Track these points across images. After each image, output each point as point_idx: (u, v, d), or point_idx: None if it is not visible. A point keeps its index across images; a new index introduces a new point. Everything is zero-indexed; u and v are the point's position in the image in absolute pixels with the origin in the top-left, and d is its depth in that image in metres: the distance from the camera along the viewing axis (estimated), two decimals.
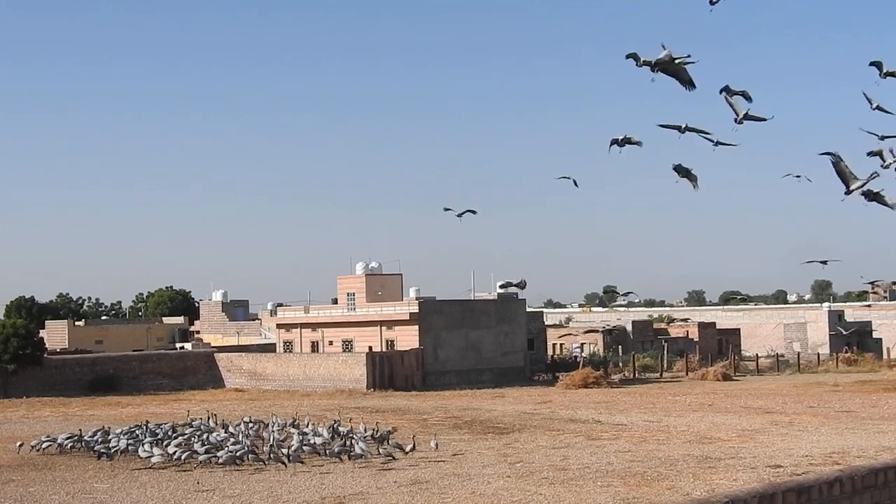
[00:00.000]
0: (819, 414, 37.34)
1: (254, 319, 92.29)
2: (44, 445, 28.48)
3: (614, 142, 22.41)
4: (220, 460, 24.78)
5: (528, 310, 72.93)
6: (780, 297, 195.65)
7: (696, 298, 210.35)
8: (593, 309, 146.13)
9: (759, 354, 77.87)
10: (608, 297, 51.37)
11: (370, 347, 61.95)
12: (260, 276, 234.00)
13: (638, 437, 30.22)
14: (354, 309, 67.32)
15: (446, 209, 37.91)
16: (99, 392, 57.43)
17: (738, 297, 48.71)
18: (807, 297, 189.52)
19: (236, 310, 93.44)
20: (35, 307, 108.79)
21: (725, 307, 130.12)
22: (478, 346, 64.19)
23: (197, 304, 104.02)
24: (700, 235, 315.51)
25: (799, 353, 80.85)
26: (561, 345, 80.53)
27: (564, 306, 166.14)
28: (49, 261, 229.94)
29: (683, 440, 29.32)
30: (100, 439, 28.22)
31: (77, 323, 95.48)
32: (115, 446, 27.14)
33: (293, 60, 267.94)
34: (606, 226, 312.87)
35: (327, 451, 25.93)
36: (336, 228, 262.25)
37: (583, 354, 73.71)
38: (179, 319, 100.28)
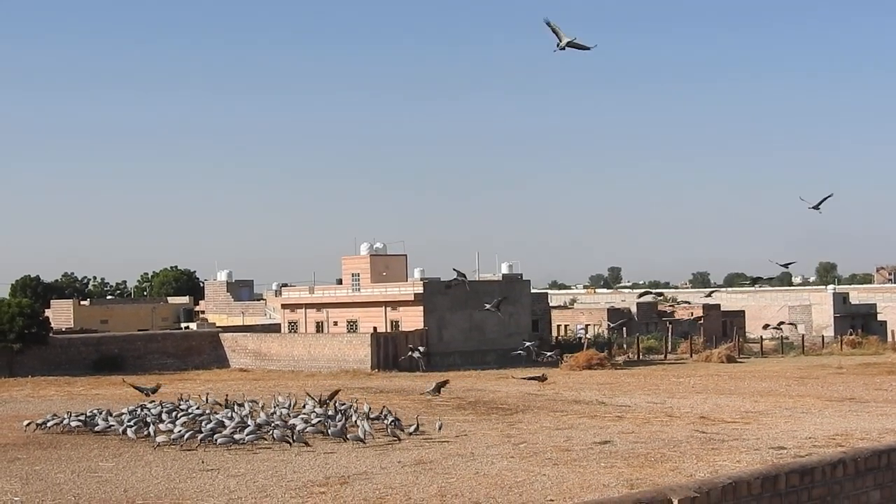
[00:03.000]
0: (822, 396, 37.39)
1: (258, 300, 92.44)
2: (49, 424, 28.59)
3: (559, 47, 23.77)
4: (243, 440, 24.91)
5: (533, 291, 72.95)
6: (784, 279, 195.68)
7: (701, 280, 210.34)
8: (598, 290, 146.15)
9: (764, 336, 77.86)
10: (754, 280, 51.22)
11: (374, 328, 62.04)
12: (265, 256, 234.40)
13: (641, 419, 30.27)
14: (359, 289, 67.40)
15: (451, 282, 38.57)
16: (104, 371, 57.63)
17: (758, 278, 47.67)
18: (812, 279, 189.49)
19: (241, 290, 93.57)
20: (40, 286, 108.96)
21: (729, 289, 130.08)
22: (482, 327, 64.25)
23: (202, 284, 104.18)
24: (705, 217, 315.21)
25: (803, 336, 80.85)
26: (566, 325, 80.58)
27: (569, 287, 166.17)
28: (54, 240, 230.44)
29: (687, 422, 29.37)
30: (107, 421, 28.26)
31: (82, 302, 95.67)
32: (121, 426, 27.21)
33: (299, 39, 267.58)
34: (611, 208, 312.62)
35: (329, 431, 25.87)
36: (341, 209, 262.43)
37: (587, 336, 73.75)
38: (184, 299, 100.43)
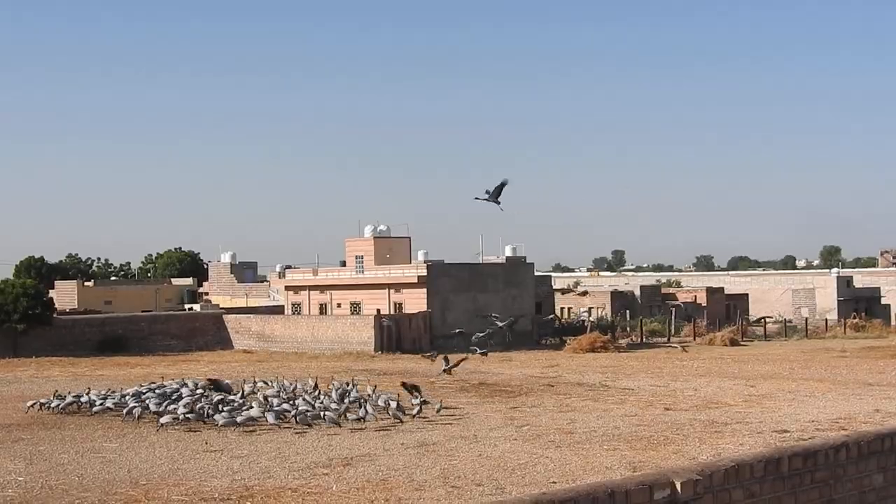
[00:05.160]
0: (826, 379, 37.39)
1: (262, 281, 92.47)
2: (52, 405, 28.62)
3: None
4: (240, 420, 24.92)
5: (537, 274, 72.93)
6: (788, 263, 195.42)
7: (705, 263, 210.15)
8: (601, 273, 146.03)
9: (768, 320, 77.79)
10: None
11: (378, 310, 62.07)
12: (269, 238, 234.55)
13: (644, 402, 30.30)
14: (363, 272, 67.40)
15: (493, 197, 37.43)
16: (108, 352, 57.72)
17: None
18: (815, 262, 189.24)
19: (245, 271, 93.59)
20: (44, 267, 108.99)
21: (733, 272, 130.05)
22: (486, 309, 64.18)
23: (206, 266, 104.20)
24: (710, 201, 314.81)
25: (807, 319, 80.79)
26: (569, 308, 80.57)
27: (572, 270, 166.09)
28: (58, 221, 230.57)
29: (690, 405, 29.39)
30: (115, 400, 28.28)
31: (86, 283, 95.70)
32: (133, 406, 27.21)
33: (304, 23, 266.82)
34: (616, 191, 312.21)
35: (324, 416, 25.64)
36: (345, 191, 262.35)
37: (590, 319, 73.73)
38: (188, 281, 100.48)
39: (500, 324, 49.92)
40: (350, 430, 24.55)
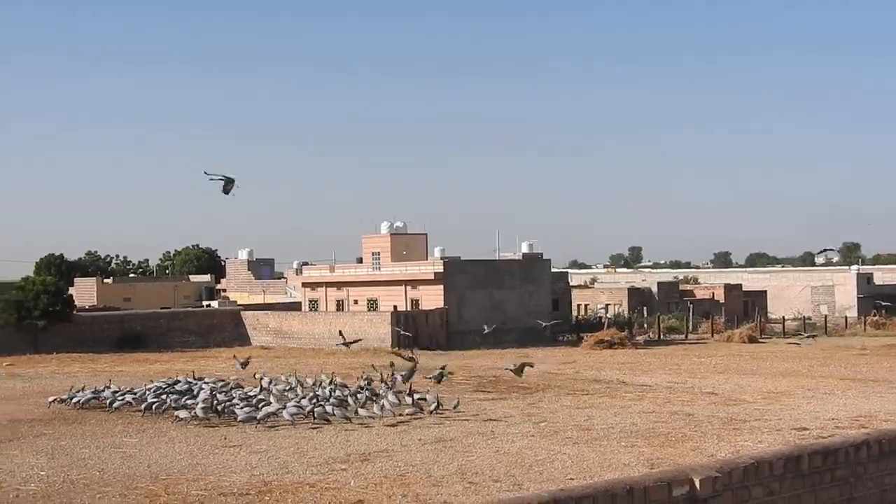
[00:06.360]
0: (846, 377, 37.21)
1: (279, 278, 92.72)
2: (73, 400, 28.80)
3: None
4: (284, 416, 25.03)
5: (554, 270, 72.85)
6: (807, 259, 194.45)
7: (723, 260, 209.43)
8: (618, 270, 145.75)
9: (786, 317, 77.48)
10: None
11: (395, 307, 62.12)
12: (286, 235, 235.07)
13: (662, 398, 30.23)
14: (379, 268, 67.47)
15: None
16: (127, 349, 58.01)
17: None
18: (835, 259, 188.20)
19: (262, 268, 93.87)
20: (64, 265, 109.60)
21: (752, 269, 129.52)
22: (502, 305, 64.21)
23: (223, 263, 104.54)
24: (727, 197, 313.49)
25: (826, 316, 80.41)
26: (586, 305, 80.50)
27: (589, 267, 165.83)
28: (78, 219, 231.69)
29: (708, 402, 29.31)
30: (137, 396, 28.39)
31: (105, 280, 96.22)
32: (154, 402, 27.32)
33: (323, 15, 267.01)
34: (632, 187, 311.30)
35: (335, 412, 25.53)
36: (361, 188, 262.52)
37: (607, 315, 73.60)
38: (206, 278, 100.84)
39: (544, 324, 52.03)
40: (367, 426, 24.60)
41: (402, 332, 49.82)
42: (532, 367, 32.08)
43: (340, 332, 43.23)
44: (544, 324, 53.66)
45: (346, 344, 39.31)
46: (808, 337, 44.03)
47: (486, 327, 55.27)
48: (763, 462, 8.24)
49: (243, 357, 37.90)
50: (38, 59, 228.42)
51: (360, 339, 44.38)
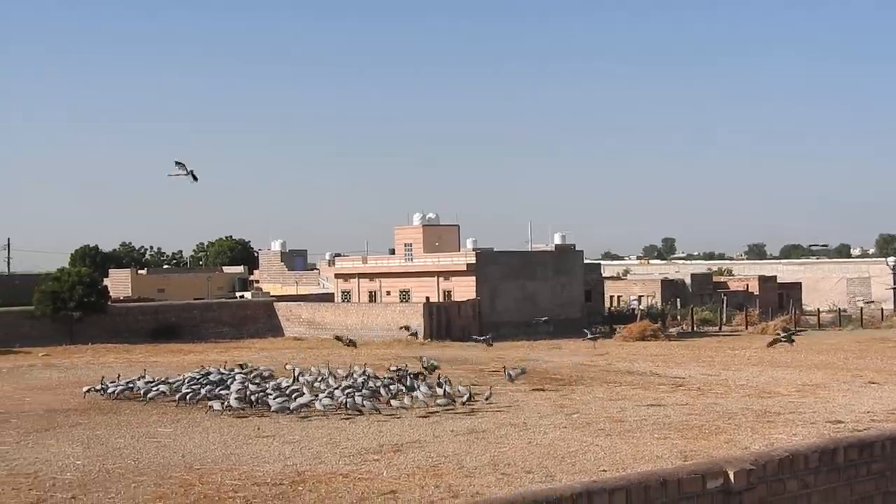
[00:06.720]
0: (882, 370, 36.85)
1: (312, 269, 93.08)
2: (108, 391, 29.09)
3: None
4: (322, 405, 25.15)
5: (586, 261, 72.66)
6: (843, 251, 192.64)
7: (757, 251, 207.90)
8: (651, 261, 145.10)
9: (821, 309, 76.82)
10: None
11: (427, 298, 62.21)
12: (318, 226, 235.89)
13: (696, 391, 30.09)
14: (412, 259, 67.58)
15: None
16: (161, 339, 58.47)
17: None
18: (871, 251, 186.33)
19: (295, 259, 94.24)
20: (99, 256, 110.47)
21: (786, 261, 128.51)
22: (535, 297, 64.15)
23: (256, 254, 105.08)
24: (762, 187, 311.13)
25: (862, 308, 79.65)
26: (619, 296, 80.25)
27: (622, 258, 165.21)
28: (112, 211, 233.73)
29: (742, 394, 29.13)
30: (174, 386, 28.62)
31: (140, 272, 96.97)
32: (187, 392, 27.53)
33: (352, 17, 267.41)
34: (666, 177, 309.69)
35: (366, 402, 25.61)
36: (394, 180, 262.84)
37: (640, 307, 73.33)
38: (239, 269, 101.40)
39: (588, 335, 52.91)
40: (399, 417, 24.67)
41: (409, 333, 50.33)
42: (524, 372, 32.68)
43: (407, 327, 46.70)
44: (540, 320, 55.16)
45: (348, 343, 40.45)
46: (790, 335, 42.97)
47: (538, 320, 55.81)
48: (798, 455, 8.19)
49: (347, 338, 38.89)
50: (74, 52, 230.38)
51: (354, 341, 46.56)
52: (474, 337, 51.38)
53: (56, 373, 38.70)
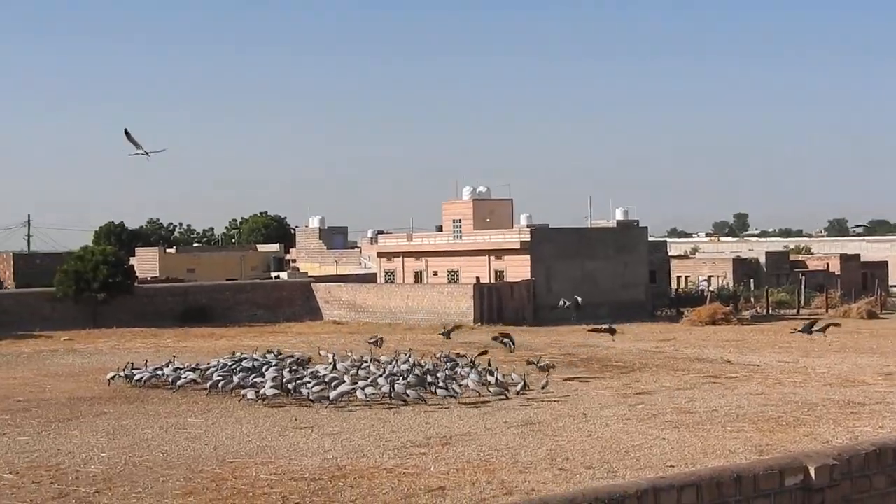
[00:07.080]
0: None
1: (353, 247, 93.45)
2: (135, 377, 29.41)
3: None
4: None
5: (651, 239, 72.20)
6: None
7: (838, 228, 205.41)
8: (722, 239, 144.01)
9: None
10: None
11: (477, 278, 62.17)
12: (360, 201, 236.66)
13: (772, 379, 29.85)
14: (461, 237, 67.54)
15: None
16: (191, 323, 59.00)
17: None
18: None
19: (334, 237, 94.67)
20: (125, 233, 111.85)
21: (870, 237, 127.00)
22: (594, 277, 63.85)
23: (293, 231, 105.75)
24: (843, 157, 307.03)
25: None
26: (686, 277, 79.73)
27: (690, 235, 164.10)
28: (139, 186, 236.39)
29: (823, 383, 28.86)
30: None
31: (168, 250, 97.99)
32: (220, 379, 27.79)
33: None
34: (736, 148, 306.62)
35: (410, 392, 25.66)
36: (441, 150, 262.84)
37: (710, 288, 72.79)
38: (275, 247, 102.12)
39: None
40: (447, 408, 24.70)
41: (447, 337, 48.66)
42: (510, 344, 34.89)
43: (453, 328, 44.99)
44: (567, 302, 53.59)
45: (447, 334, 40.86)
46: (818, 330, 40.79)
47: (563, 301, 54.26)
48: (886, 449, 8.06)
49: (374, 336, 39.13)
50: (110, 32, 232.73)
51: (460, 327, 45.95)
52: (563, 300, 53.05)
53: (79, 358, 39.26)
